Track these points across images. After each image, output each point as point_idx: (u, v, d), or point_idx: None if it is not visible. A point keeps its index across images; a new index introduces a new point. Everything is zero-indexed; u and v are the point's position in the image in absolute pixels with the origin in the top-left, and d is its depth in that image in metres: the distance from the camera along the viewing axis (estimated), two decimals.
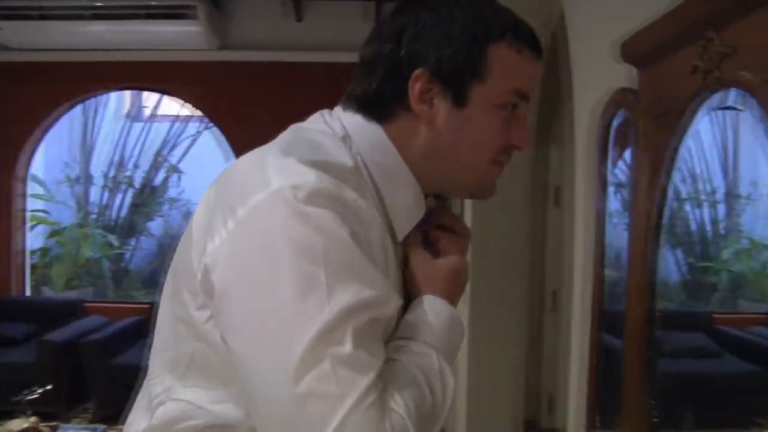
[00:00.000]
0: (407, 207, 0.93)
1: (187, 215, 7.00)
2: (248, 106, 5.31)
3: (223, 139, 5.44)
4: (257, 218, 0.80)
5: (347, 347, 0.74)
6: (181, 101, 5.51)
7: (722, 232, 3.65)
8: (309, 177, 0.81)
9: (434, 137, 0.93)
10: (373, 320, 0.78)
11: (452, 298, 0.95)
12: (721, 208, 3.61)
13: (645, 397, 1.55)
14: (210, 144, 6.45)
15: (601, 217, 1.95)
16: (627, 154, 1.82)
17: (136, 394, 1.01)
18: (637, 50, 1.56)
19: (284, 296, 0.76)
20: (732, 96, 1.29)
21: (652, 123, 1.53)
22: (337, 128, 0.93)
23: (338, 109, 0.97)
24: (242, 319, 0.80)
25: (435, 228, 0.98)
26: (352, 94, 0.96)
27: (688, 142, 1.69)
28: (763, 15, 1.11)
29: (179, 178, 7.08)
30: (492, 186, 0.99)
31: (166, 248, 6.89)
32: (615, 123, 1.82)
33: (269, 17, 5.17)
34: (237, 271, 0.81)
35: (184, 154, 6.95)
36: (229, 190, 0.86)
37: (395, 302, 0.83)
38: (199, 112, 5.57)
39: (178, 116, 6.84)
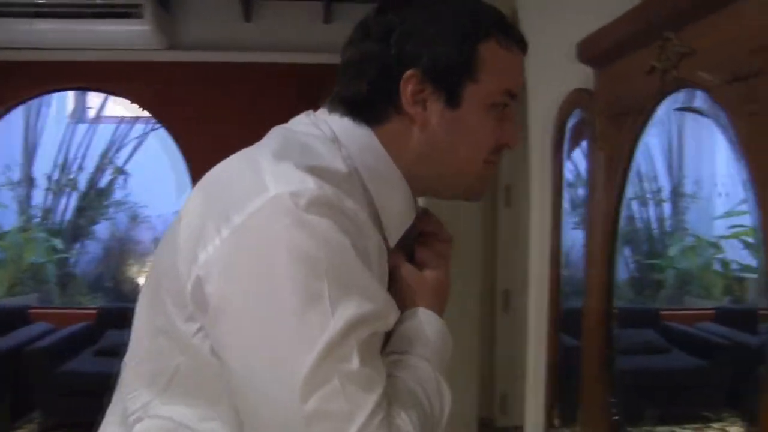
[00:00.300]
0: (399, 213, 0.91)
1: (134, 218, 6.86)
2: (197, 107, 5.22)
3: (170, 140, 5.34)
4: (255, 226, 0.76)
5: (354, 364, 0.72)
6: (127, 102, 5.39)
7: (668, 229, 3.72)
8: (309, 184, 0.77)
9: (428, 139, 0.90)
10: (373, 334, 0.76)
11: (440, 311, 0.94)
12: (667, 207, 3.68)
13: (605, 395, 1.57)
14: (157, 146, 6.34)
15: (557, 216, 1.96)
16: (582, 153, 1.85)
17: (106, 407, 0.96)
18: (594, 51, 1.57)
19: (287, 310, 0.73)
20: (684, 96, 1.31)
21: (609, 123, 1.55)
22: (326, 131, 0.89)
23: (323, 112, 0.93)
24: (241, 333, 0.76)
25: (418, 235, 0.96)
26: (339, 97, 0.92)
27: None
28: (721, 17, 1.13)
29: (125, 181, 6.93)
30: (485, 186, 0.98)
31: (113, 252, 6.75)
32: (570, 123, 1.84)
33: (218, 17, 5.09)
34: (234, 283, 0.76)
35: (130, 156, 6.81)
36: (221, 196, 0.82)
37: (395, 316, 0.80)
38: (145, 113, 5.47)
39: (123, 117, 6.70)
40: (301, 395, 0.69)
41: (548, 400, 1.94)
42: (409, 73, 0.87)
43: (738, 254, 2.16)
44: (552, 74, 1.95)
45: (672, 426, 1.80)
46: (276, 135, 0.91)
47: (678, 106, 1.37)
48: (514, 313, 3.78)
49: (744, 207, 2.06)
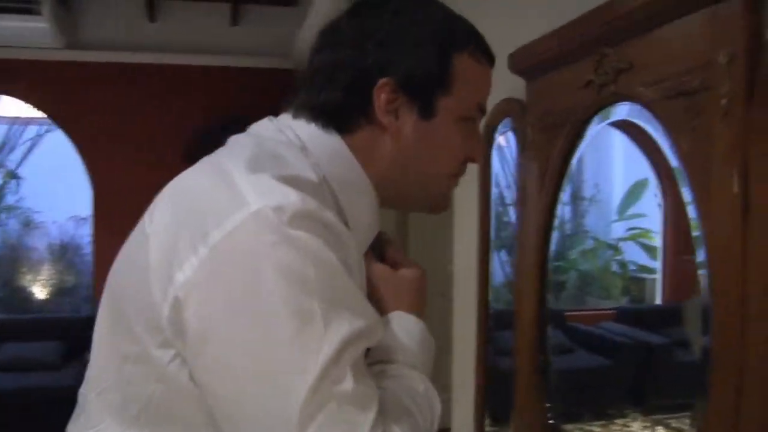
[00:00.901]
0: (367, 223, 0.89)
1: (27, 224, 6.53)
2: (97, 109, 5.03)
3: (68, 143, 5.12)
4: (237, 244, 0.72)
5: (349, 384, 0.70)
6: (22, 102, 5.12)
7: (569, 232, 3.86)
8: (291, 197, 0.74)
9: (400, 149, 0.88)
10: (362, 351, 0.74)
11: (420, 312, 0.92)
12: (568, 210, 3.82)
13: (539, 398, 1.61)
14: (52, 149, 6.05)
15: (485, 221, 2.00)
16: (511, 161, 1.89)
17: None
18: (526, 62, 1.61)
19: (278, 333, 0.70)
20: (622, 110, 1.36)
21: (541, 133, 1.59)
22: (293, 138, 0.86)
23: (286, 117, 0.91)
24: (230, 360, 0.72)
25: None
26: (307, 103, 0.89)
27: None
28: (661, 35, 1.18)
29: (18, 185, 6.58)
30: (449, 198, 0.98)
31: (4, 260, 6.39)
32: (499, 130, 1.88)
33: (121, 16, 4.92)
34: (218, 306, 0.72)
35: (23, 159, 6.47)
36: (194, 210, 0.77)
37: (381, 330, 0.79)
38: (41, 114, 5.21)
39: (16, 118, 6.36)
40: (299, 423, 0.67)
41: (478, 402, 1.97)
42: (383, 81, 0.86)
43: (635, 256, 2.24)
44: None
45: (580, 424, 1.86)
46: (243, 143, 0.87)
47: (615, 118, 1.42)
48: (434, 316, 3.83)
49: (639, 210, 2.18)
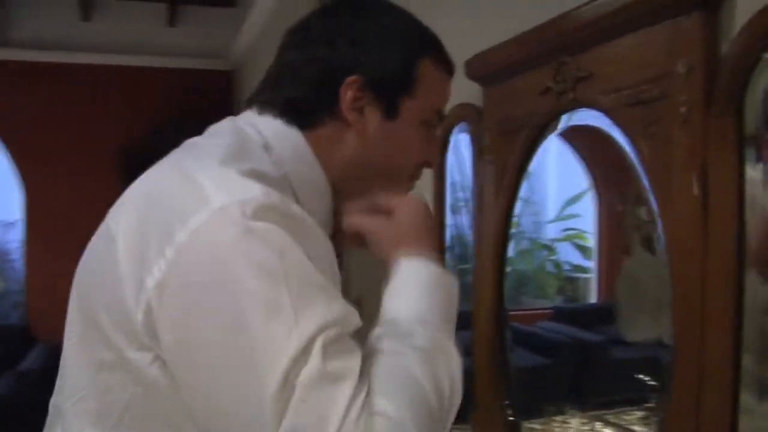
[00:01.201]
0: (322, 221, 0.89)
1: None
2: (29, 110, 4.88)
3: None
4: (203, 242, 0.72)
5: (317, 365, 0.68)
6: None
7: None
8: (254, 191, 0.75)
9: (362, 147, 0.91)
10: (340, 334, 0.73)
11: (430, 248, 0.88)
12: None
13: (499, 394, 1.65)
14: None
15: (440, 224, 2.04)
16: (463, 165, 1.93)
17: None
18: (483, 69, 1.65)
19: (248, 326, 0.70)
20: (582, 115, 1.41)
21: (499, 137, 1.63)
22: (254, 134, 0.88)
23: (250, 114, 0.92)
24: (203, 358, 0.72)
25: None
26: (274, 99, 0.91)
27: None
28: (619, 45, 1.23)
29: None
30: None
31: None
32: (454, 135, 1.92)
33: (54, 14, 4.78)
34: (189, 306, 0.73)
35: None
36: (158, 212, 0.78)
37: (356, 319, 0.77)
38: None
39: None
40: (273, 416, 0.67)
41: None
42: (351, 78, 0.89)
43: (570, 256, 2.30)
44: None
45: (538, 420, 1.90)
46: (203, 143, 0.89)
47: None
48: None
49: (574, 211, 2.25)
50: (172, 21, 5.01)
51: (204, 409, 0.74)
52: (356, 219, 0.92)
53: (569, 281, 2.76)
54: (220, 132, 0.91)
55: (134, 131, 4.90)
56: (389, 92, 0.91)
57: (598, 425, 1.67)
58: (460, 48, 1.82)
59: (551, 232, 2.66)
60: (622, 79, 1.22)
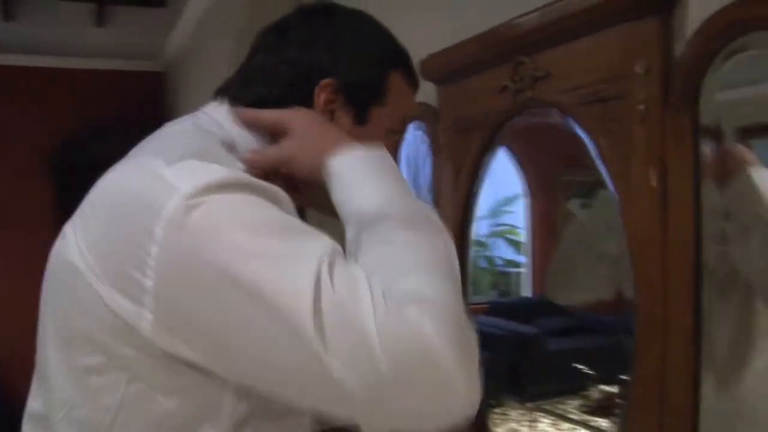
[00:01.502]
0: None
1: None
2: None
3: None
4: (182, 229, 0.73)
5: (329, 287, 0.69)
6: None
7: None
8: (219, 171, 0.77)
9: None
10: (333, 256, 0.73)
11: (346, 141, 0.87)
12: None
13: None
14: None
15: None
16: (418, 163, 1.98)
17: None
18: (439, 69, 1.70)
19: (262, 289, 0.70)
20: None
21: (455, 137, 1.69)
22: (217, 131, 0.90)
23: (216, 108, 0.95)
24: (231, 332, 0.72)
25: None
26: (245, 97, 0.94)
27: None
28: (576, 47, 1.30)
29: None
30: None
31: None
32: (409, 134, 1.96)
33: None
34: (197, 292, 0.73)
35: None
36: (127, 213, 0.78)
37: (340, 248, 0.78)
38: None
39: None
40: (318, 348, 0.67)
41: None
42: (326, 81, 0.93)
43: (502, 251, 2.36)
44: None
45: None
46: (161, 140, 0.90)
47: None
48: None
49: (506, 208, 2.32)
50: (100, 21, 4.87)
51: (262, 381, 0.76)
52: (266, 155, 0.90)
53: (502, 276, 2.81)
54: (179, 131, 0.92)
55: (62, 135, 4.77)
56: (361, 98, 0.95)
57: (536, 415, 1.75)
58: (415, 47, 1.87)
59: (483, 228, 2.70)
60: (580, 79, 1.29)
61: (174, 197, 0.73)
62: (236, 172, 0.79)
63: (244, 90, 0.96)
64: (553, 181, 1.89)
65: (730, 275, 1.11)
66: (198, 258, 0.72)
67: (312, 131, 0.90)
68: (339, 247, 0.76)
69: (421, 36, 1.81)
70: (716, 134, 1.11)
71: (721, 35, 1.06)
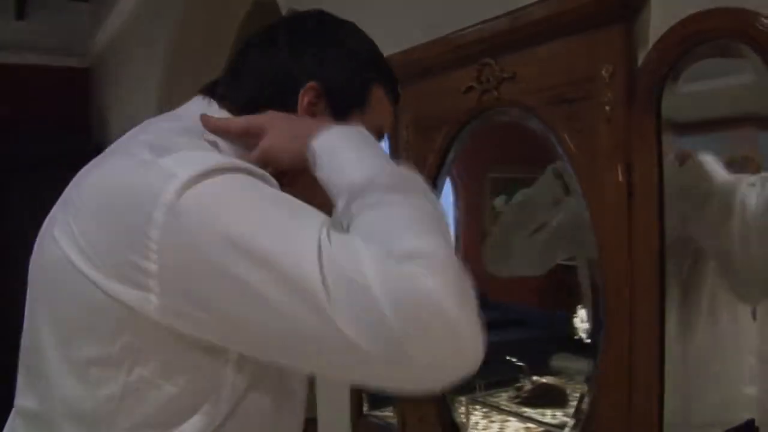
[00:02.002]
0: None
1: None
2: None
3: None
4: (183, 212, 0.76)
5: (329, 250, 0.73)
6: None
7: None
8: (213, 158, 0.81)
9: None
10: (329, 226, 0.76)
11: (322, 125, 0.91)
12: None
13: None
14: None
15: None
16: None
17: None
18: (402, 69, 1.75)
19: (260, 249, 0.73)
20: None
21: (417, 136, 1.75)
22: (201, 132, 0.93)
23: (201, 104, 0.98)
24: (239, 306, 0.75)
25: None
26: (232, 94, 0.98)
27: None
28: (542, 50, 1.39)
29: None
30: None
31: None
32: None
33: None
34: (201, 274, 0.76)
35: None
36: (122, 203, 0.80)
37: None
38: None
39: None
40: (324, 300, 0.70)
41: (353, 388, 2.07)
42: (310, 84, 0.97)
43: None
44: None
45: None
46: (145, 137, 0.91)
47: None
48: None
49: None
50: (20, 14, 4.73)
51: (265, 349, 0.79)
52: (249, 158, 0.90)
53: None
54: (166, 129, 0.94)
55: None
56: (343, 104, 0.99)
57: (471, 408, 1.81)
58: (381, 46, 1.92)
59: None
60: (546, 81, 1.38)
61: (172, 183, 0.76)
62: (230, 158, 0.83)
63: (231, 90, 1.00)
64: (481, 178, 1.97)
65: (693, 257, 1.23)
66: (200, 235, 0.75)
67: (287, 123, 0.94)
68: (331, 220, 0.79)
69: (386, 34, 1.86)
70: (678, 129, 1.21)
71: (680, 44, 1.16)
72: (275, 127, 0.93)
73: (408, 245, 0.72)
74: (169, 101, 3.52)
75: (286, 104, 0.97)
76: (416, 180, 0.83)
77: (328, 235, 0.73)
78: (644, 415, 1.21)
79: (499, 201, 1.92)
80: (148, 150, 0.83)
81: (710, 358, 1.27)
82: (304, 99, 0.97)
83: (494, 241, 1.86)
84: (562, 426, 1.52)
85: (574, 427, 1.43)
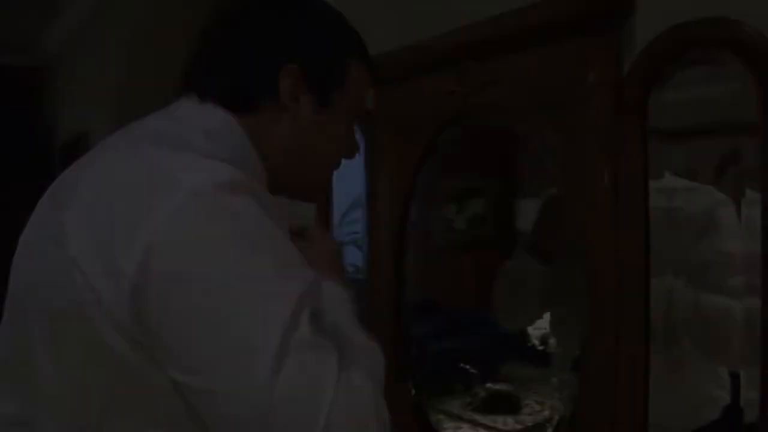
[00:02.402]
0: None
1: None
2: None
3: None
4: (179, 225, 0.74)
5: (307, 330, 0.74)
6: None
7: None
8: (221, 169, 0.79)
9: (297, 132, 0.98)
10: (313, 315, 0.78)
11: (342, 280, 0.97)
12: None
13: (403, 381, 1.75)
14: None
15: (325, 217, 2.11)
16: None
17: None
18: (378, 71, 1.74)
19: (239, 297, 0.73)
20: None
21: (396, 138, 1.74)
22: (196, 125, 0.92)
23: (189, 103, 0.97)
24: (199, 333, 0.73)
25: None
26: (213, 86, 0.96)
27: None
28: (525, 56, 1.40)
29: None
30: (326, 189, 1.09)
31: None
32: None
33: None
34: (181, 291, 0.74)
35: None
36: (123, 202, 0.78)
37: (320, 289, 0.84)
38: None
39: None
40: (269, 374, 0.70)
41: None
42: (290, 66, 0.96)
43: (353, 258, 2.38)
44: None
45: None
46: (141, 133, 0.90)
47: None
48: None
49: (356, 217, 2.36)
50: None
51: (205, 397, 0.76)
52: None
53: (352, 283, 2.82)
54: (160, 126, 0.93)
55: None
56: (323, 83, 0.99)
57: (430, 414, 1.79)
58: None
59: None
60: (529, 85, 1.38)
61: (175, 191, 0.75)
62: (238, 172, 0.80)
63: (210, 79, 0.97)
64: (444, 186, 1.99)
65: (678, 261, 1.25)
66: (186, 258, 0.74)
67: (324, 252, 1.00)
68: (315, 283, 0.81)
69: (367, 36, 1.86)
70: (663, 136, 1.23)
71: (666, 52, 1.18)
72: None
73: (362, 377, 0.78)
74: (127, 103, 3.45)
75: (266, 89, 0.96)
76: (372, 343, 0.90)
77: (309, 319, 0.75)
78: (629, 424, 1.22)
79: (448, 210, 1.94)
80: (157, 148, 0.82)
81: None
82: (284, 82, 0.95)
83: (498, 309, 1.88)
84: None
85: None
